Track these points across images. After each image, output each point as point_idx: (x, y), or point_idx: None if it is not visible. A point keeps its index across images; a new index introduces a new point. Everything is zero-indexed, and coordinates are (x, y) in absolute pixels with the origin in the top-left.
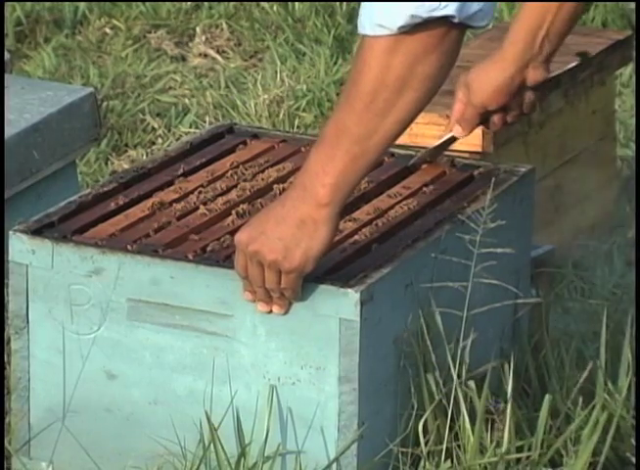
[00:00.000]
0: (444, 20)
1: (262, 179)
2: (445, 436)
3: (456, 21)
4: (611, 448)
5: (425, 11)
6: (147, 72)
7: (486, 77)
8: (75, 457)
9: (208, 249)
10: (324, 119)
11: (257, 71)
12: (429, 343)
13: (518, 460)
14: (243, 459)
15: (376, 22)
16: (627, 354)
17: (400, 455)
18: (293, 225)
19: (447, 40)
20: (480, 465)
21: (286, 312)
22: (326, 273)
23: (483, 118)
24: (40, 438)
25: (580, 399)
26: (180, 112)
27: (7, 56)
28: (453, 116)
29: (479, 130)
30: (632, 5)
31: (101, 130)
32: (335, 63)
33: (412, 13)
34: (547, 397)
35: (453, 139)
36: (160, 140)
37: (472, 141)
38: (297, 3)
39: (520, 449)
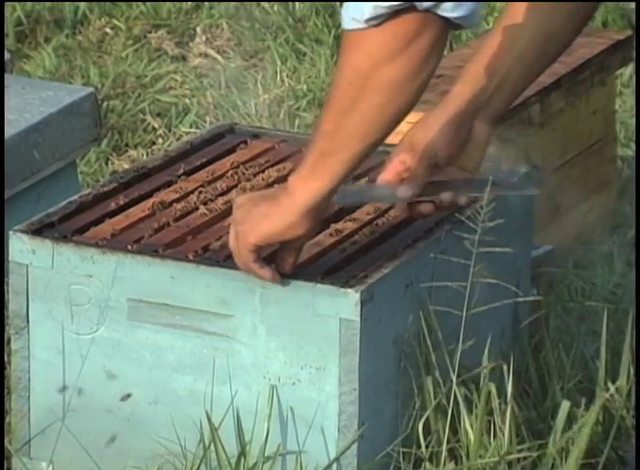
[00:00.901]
0: (413, 19)
1: (263, 179)
2: (446, 436)
3: (421, 9)
4: (611, 448)
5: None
6: (147, 72)
7: (434, 126)
8: (75, 457)
9: (209, 249)
10: None
11: (258, 71)
12: (429, 343)
13: (518, 460)
14: (243, 459)
15: (350, 15)
16: (627, 355)
17: (401, 456)
18: (265, 201)
19: (416, 44)
20: (480, 466)
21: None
22: (326, 273)
23: (431, 174)
24: (40, 438)
25: (581, 400)
26: (180, 112)
27: (7, 56)
28: (394, 176)
29: None
30: (632, 5)
31: (101, 130)
32: (335, 63)
33: (376, 3)
34: (564, 403)
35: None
36: (160, 140)
37: None
38: (297, 3)
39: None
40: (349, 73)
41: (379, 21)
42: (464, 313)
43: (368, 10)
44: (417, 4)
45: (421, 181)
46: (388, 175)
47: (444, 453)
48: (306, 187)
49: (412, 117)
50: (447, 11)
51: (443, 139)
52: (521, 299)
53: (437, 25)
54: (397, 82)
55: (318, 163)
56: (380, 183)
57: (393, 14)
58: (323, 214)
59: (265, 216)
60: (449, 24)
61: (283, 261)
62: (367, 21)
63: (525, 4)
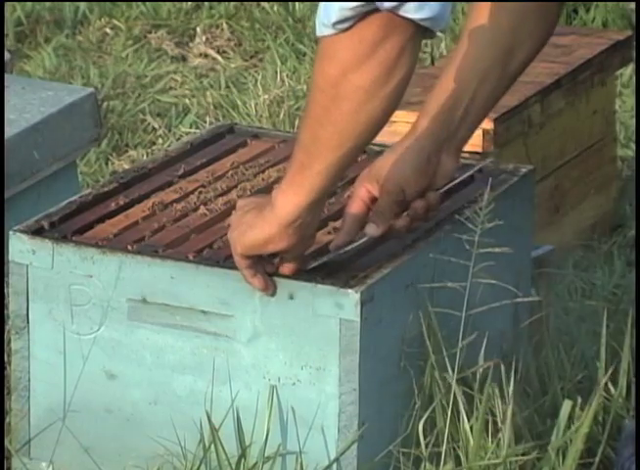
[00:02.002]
0: (378, 22)
1: (263, 179)
2: (446, 437)
3: (383, 9)
4: (611, 448)
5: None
6: (147, 73)
7: (400, 161)
8: (76, 457)
9: (209, 249)
10: None
11: (258, 72)
12: (429, 343)
13: (517, 461)
14: (243, 460)
15: (320, 20)
16: (627, 355)
17: (401, 456)
18: (254, 210)
19: (383, 50)
20: (480, 467)
21: (263, 289)
22: (326, 273)
23: (399, 211)
24: (40, 438)
25: (581, 401)
26: (180, 112)
27: (7, 56)
28: (355, 217)
29: (479, 131)
30: (633, 5)
31: (101, 130)
32: None
33: (341, 4)
34: (566, 402)
35: (367, 240)
36: (160, 140)
37: (472, 141)
38: (297, 3)
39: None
40: (320, 82)
41: (346, 24)
42: (463, 314)
43: (334, 13)
44: (378, 4)
45: (388, 217)
46: (355, 207)
47: (444, 454)
48: (286, 200)
49: (413, 116)
50: (410, 12)
51: (411, 176)
52: (521, 299)
53: (404, 29)
54: (366, 89)
55: (297, 176)
56: (348, 216)
57: (360, 17)
58: (309, 229)
59: (250, 227)
60: (418, 29)
61: (282, 266)
62: (334, 24)
63: (487, 13)
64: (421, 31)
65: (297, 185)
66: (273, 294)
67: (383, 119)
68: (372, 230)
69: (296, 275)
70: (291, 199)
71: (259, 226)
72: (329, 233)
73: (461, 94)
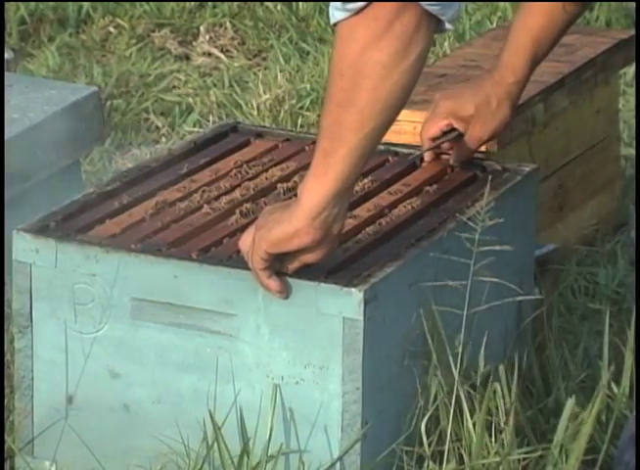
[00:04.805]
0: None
1: (266, 178)
2: (449, 435)
3: None
4: (614, 447)
5: None
6: (151, 71)
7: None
8: (79, 456)
9: (212, 248)
10: None
11: (261, 71)
12: (432, 342)
13: (519, 461)
14: (246, 458)
15: (334, 6)
16: (630, 354)
17: (404, 455)
18: (282, 208)
19: (399, 25)
20: (483, 465)
21: (278, 292)
22: (329, 272)
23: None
24: (44, 437)
25: (584, 400)
26: (184, 111)
27: (11, 55)
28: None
29: None
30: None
31: (105, 129)
32: None
33: None
34: (569, 401)
35: (460, 135)
36: (163, 139)
37: None
38: (300, 2)
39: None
40: (339, 64)
41: (360, 4)
42: (464, 313)
43: None
44: None
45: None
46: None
47: (447, 452)
48: (311, 192)
49: (417, 115)
50: None
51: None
52: (524, 298)
53: (415, 9)
54: (385, 64)
55: (321, 166)
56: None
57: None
58: (335, 224)
59: (276, 223)
60: (430, 17)
61: (284, 266)
62: (348, 7)
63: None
64: (434, 21)
65: (321, 175)
66: (287, 297)
67: (402, 97)
68: None
69: (299, 274)
70: (316, 190)
71: (286, 221)
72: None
73: (539, 53)
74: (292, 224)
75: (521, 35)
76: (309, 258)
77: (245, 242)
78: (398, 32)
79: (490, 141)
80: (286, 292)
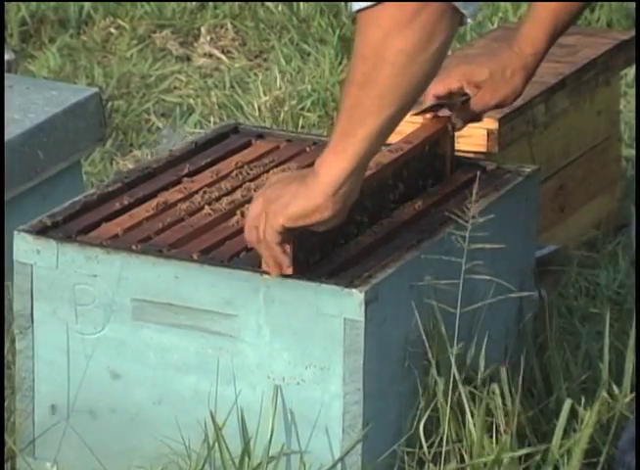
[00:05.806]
0: None
1: (267, 179)
2: (450, 436)
3: None
4: (616, 448)
5: None
6: (152, 72)
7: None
8: (80, 457)
9: (213, 249)
10: (329, 119)
11: (262, 72)
12: (433, 343)
13: (520, 461)
14: (247, 459)
15: None
16: (630, 355)
17: (405, 456)
18: (296, 182)
19: (424, 14)
20: (484, 466)
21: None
22: (330, 273)
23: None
24: (45, 437)
25: (585, 401)
26: (185, 112)
27: (12, 56)
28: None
29: (483, 131)
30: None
31: (106, 130)
32: (340, 63)
33: None
34: (567, 402)
35: (467, 100)
36: (164, 140)
37: (477, 141)
38: (301, 3)
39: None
40: (362, 48)
41: None
42: (457, 312)
43: None
44: None
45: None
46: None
47: (448, 453)
48: (330, 168)
49: (417, 117)
50: None
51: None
52: (523, 295)
53: (440, 1)
54: (408, 52)
55: (340, 143)
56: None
57: None
58: (351, 198)
59: (294, 197)
60: (454, 10)
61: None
62: None
63: None
64: (456, 14)
65: (341, 151)
66: (294, 273)
67: (423, 84)
68: None
69: (300, 274)
70: (335, 165)
71: (304, 196)
72: None
73: (559, 27)
74: (310, 199)
75: (541, 8)
76: (321, 227)
77: (253, 215)
78: (423, 22)
79: (496, 109)
80: (292, 269)
